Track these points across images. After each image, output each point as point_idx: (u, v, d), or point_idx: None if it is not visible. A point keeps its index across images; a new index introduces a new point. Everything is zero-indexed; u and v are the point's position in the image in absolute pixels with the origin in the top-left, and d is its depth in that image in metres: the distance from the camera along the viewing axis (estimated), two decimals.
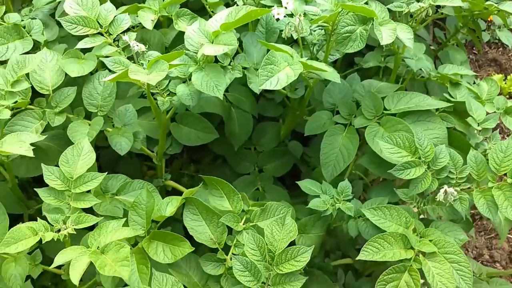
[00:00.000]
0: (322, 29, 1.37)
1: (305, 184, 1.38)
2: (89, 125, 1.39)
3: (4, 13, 1.59)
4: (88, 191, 1.12)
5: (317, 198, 1.31)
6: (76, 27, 1.29)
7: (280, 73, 1.15)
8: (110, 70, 1.25)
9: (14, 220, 1.59)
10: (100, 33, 1.32)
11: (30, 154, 1.01)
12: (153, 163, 1.63)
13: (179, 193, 1.66)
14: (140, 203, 1.22)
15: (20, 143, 1.03)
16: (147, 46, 1.31)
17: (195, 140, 1.68)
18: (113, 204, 1.27)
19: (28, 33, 1.59)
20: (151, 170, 1.97)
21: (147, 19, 1.46)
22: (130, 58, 1.30)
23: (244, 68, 1.49)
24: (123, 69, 1.21)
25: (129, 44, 1.27)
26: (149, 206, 1.22)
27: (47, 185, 1.32)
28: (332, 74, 1.24)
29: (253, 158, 1.89)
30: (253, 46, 1.58)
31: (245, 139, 1.83)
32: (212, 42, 1.25)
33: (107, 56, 1.28)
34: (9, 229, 1.09)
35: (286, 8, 1.42)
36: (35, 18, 1.66)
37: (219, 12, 1.30)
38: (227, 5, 1.66)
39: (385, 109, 1.47)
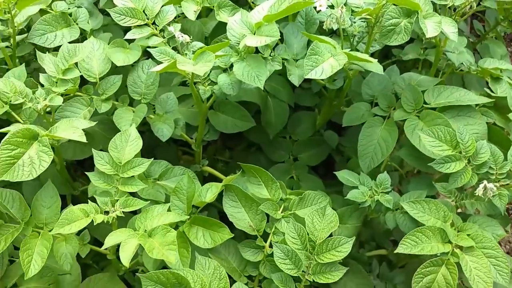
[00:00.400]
0: (364, 21, 1.37)
1: (343, 175, 1.40)
2: (133, 112, 1.44)
3: (52, 1, 1.64)
4: (134, 176, 1.16)
5: (355, 189, 1.32)
6: (124, 18, 1.33)
7: (325, 63, 1.17)
8: (155, 60, 1.29)
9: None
10: (146, 24, 1.35)
11: (83, 139, 1.06)
12: (188, 148, 1.67)
13: (215, 178, 1.71)
14: (181, 189, 1.26)
15: (73, 128, 1.08)
16: (191, 37, 1.33)
17: (232, 128, 1.71)
18: (155, 188, 1.31)
19: (75, 21, 1.64)
20: (186, 155, 2.02)
21: (190, 10, 1.48)
22: (174, 48, 1.33)
23: (284, 59, 1.51)
24: (169, 59, 1.24)
25: (174, 35, 1.30)
26: (190, 192, 1.26)
27: (91, 168, 1.38)
28: (375, 66, 1.24)
29: (288, 146, 1.91)
30: (294, 37, 1.59)
31: (280, 128, 1.85)
32: (254, 33, 1.27)
33: (153, 47, 1.32)
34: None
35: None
36: (81, 7, 1.71)
37: (261, 4, 1.32)
38: None
39: (425, 102, 1.47)
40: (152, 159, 1.23)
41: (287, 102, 1.84)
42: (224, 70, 1.37)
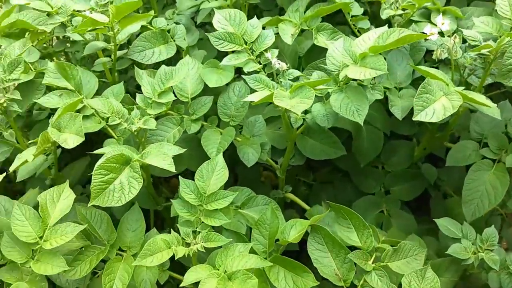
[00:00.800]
0: (481, 57, 1.23)
1: (443, 223, 1.26)
2: (221, 134, 1.41)
3: (152, 18, 1.67)
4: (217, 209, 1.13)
5: (457, 243, 1.18)
6: (222, 43, 1.30)
7: (436, 103, 1.05)
8: (250, 87, 1.24)
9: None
10: (244, 50, 1.31)
11: (172, 169, 1.04)
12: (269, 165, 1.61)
13: (297, 206, 1.64)
14: (264, 223, 1.20)
15: (163, 156, 1.06)
16: (287, 64, 1.27)
17: (320, 154, 1.62)
18: (237, 218, 1.27)
19: (172, 38, 1.65)
20: (266, 171, 1.97)
21: (288, 33, 1.43)
22: (270, 75, 1.28)
23: (386, 88, 1.40)
24: (263, 87, 1.19)
25: (270, 61, 1.25)
26: (273, 226, 1.20)
27: (175, 184, 1.37)
28: (492, 110, 1.10)
29: (380, 177, 1.79)
30: (397, 64, 1.48)
31: (373, 157, 1.74)
32: (358, 64, 1.17)
33: (248, 73, 1.28)
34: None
35: (440, 28, 1.30)
36: (179, 23, 1.72)
37: (368, 33, 1.22)
38: (370, 19, 1.57)
39: None
40: (237, 192, 1.18)
41: (382, 129, 1.72)
42: (319, 98, 1.30)
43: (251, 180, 1.79)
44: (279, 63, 1.22)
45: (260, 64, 1.30)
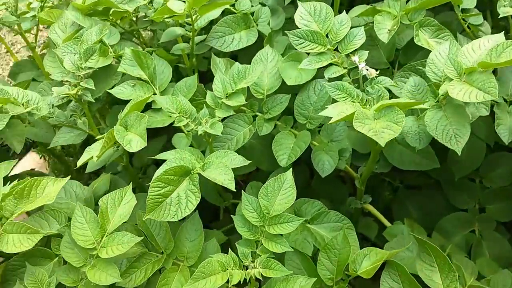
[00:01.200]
0: None
1: None
2: (295, 137, 1.29)
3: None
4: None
5: None
6: (303, 43, 1.15)
7: None
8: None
9: (214, 211, 1.65)
10: (327, 50, 1.15)
11: (232, 187, 0.95)
12: None
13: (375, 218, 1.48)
14: (333, 247, 1.08)
15: (225, 169, 0.98)
16: (377, 71, 1.09)
17: (409, 164, 1.44)
18: (303, 235, 1.16)
19: (255, 22, 1.53)
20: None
21: (384, 27, 1.24)
22: (356, 80, 1.12)
23: (494, 102, 1.18)
24: (346, 97, 1.04)
25: (357, 66, 1.09)
26: (344, 253, 1.08)
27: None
28: None
29: (475, 192, 1.59)
30: (509, 72, 1.24)
31: (471, 171, 1.53)
32: (462, 79, 0.98)
33: (330, 80, 1.13)
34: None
35: None
36: (265, 5, 1.59)
37: (479, 40, 1.01)
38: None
39: None
40: (307, 222, 1.07)
41: (485, 140, 1.49)
42: (412, 110, 1.12)
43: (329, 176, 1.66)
44: (367, 69, 1.06)
45: (345, 68, 1.14)
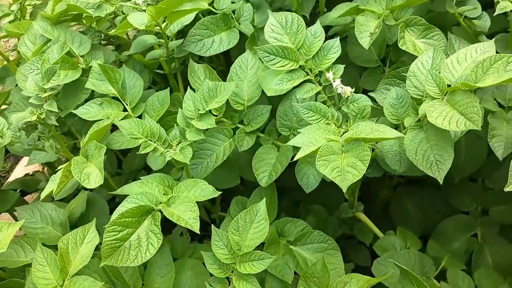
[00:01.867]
0: None
1: None
2: (277, 152, 1.21)
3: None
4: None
5: None
6: (274, 59, 1.04)
7: None
8: None
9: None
10: (300, 67, 1.05)
11: (196, 229, 0.88)
12: None
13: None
14: (312, 276, 1.02)
15: (190, 205, 0.91)
16: (353, 89, 0.99)
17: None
18: (285, 259, 1.10)
19: (237, 21, 1.42)
20: None
21: (365, 30, 1.13)
22: (331, 98, 1.02)
23: (488, 110, 1.07)
24: (320, 118, 0.95)
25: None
26: (323, 281, 1.02)
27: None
28: None
29: (477, 194, 1.50)
30: None
31: (471, 172, 1.43)
32: (443, 97, 0.87)
33: (303, 100, 1.03)
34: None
35: None
36: (248, 1, 1.47)
37: (465, 49, 0.90)
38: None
39: None
40: (290, 244, 1.00)
41: (487, 138, 1.38)
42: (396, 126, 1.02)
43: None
44: (342, 88, 0.96)
45: (321, 85, 1.03)
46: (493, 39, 0.98)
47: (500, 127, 1.06)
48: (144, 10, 1.15)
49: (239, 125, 1.24)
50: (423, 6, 1.30)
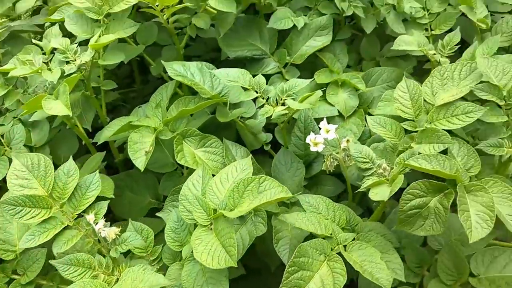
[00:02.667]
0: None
1: None
2: None
3: None
4: None
5: None
6: (21, 211, 0.87)
7: None
8: None
9: None
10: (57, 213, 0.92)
11: None
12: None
13: None
14: None
15: None
16: (116, 228, 0.89)
17: None
18: None
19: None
20: None
21: (141, 149, 1.08)
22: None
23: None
24: (85, 271, 0.84)
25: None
26: None
27: None
28: None
29: None
30: None
31: None
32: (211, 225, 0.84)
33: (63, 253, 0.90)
34: None
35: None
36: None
37: (225, 169, 0.88)
38: None
39: None
40: None
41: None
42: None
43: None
44: (104, 230, 0.87)
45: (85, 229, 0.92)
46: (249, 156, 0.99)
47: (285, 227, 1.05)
48: None
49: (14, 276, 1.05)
50: (202, 114, 1.29)
